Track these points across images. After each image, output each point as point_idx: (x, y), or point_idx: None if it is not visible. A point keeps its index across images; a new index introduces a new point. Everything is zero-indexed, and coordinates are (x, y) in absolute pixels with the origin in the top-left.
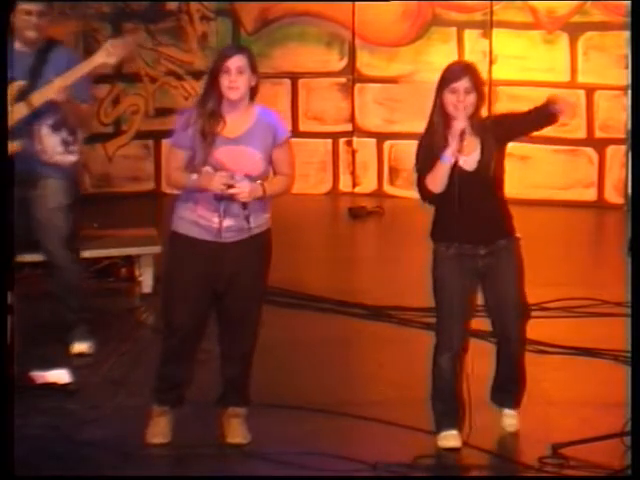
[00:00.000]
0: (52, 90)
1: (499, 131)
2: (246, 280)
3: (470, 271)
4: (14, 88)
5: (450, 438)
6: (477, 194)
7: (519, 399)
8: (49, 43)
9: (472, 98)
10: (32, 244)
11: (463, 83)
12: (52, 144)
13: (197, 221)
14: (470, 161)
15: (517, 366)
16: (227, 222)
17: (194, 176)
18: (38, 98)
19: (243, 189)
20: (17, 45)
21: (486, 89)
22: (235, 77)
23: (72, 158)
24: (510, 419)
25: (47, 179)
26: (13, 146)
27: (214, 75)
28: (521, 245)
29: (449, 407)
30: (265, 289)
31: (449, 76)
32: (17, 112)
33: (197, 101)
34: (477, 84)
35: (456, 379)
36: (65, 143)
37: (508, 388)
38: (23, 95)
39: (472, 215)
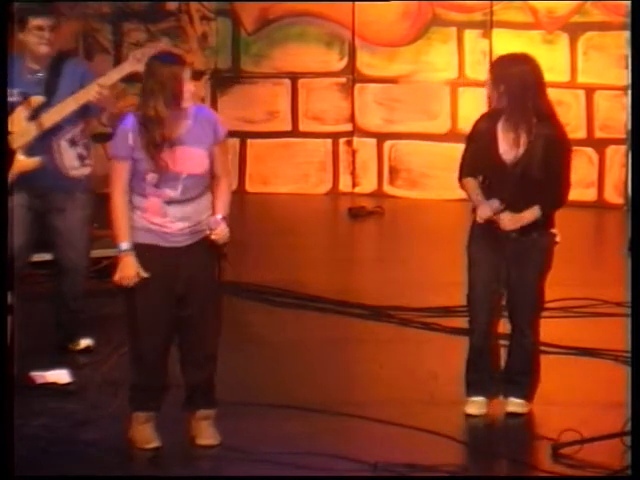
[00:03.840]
0: (64, 110)
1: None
2: (203, 282)
3: (499, 251)
4: (32, 103)
5: (473, 405)
6: (514, 185)
7: (530, 391)
8: (60, 56)
9: (493, 92)
10: (38, 245)
11: (487, 75)
12: (69, 159)
13: (149, 227)
14: (510, 154)
15: (529, 359)
16: (180, 225)
17: (124, 245)
18: (48, 119)
19: (223, 233)
20: (28, 61)
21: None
22: (189, 86)
23: (86, 171)
24: (516, 406)
25: (67, 192)
26: (34, 162)
27: (169, 85)
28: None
29: (479, 376)
30: (220, 292)
31: None
32: (27, 132)
33: (145, 113)
34: (500, 78)
35: (489, 354)
36: (80, 157)
37: (517, 379)
38: (38, 112)
39: (508, 202)
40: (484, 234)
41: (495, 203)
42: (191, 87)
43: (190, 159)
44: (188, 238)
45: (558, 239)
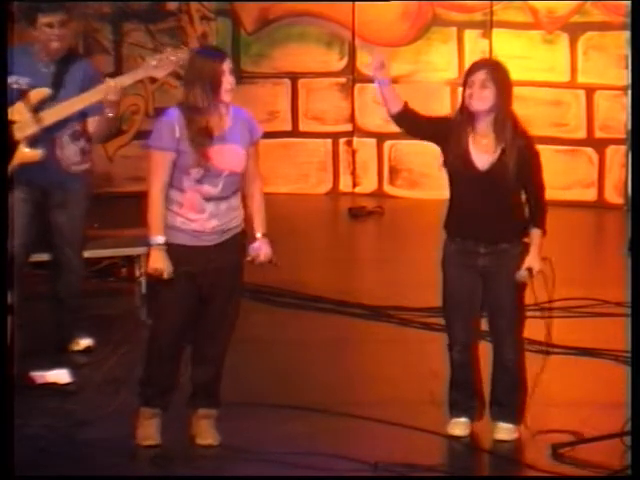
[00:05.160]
0: (68, 109)
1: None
2: (228, 282)
3: (471, 268)
4: (38, 95)
5: (457, 426)
6: (484, 194)
7: (518, 413)
8: (71, 53)
9: (489, 92)
10: (37, 244)
11: (479, 75)
12: (71, 154)
13: (181, 227)
14: (483, 161)
15: (513, 378)
16: (213, 222)
17: (159, 239)
18: (50, 116)
19: (266, 257)
20: (40, 55)
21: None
22: (230, 78)
23: (86, 167)
24: (504, 433)
25: (68, 188)
26: (36, 154)
27: (210, 78)
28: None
29: (461, 396)
30: (243, 289)
31: (468, 70)
32: (28, 125)
33: (188, 104)
34: (497, 80)
35: (470, 371)
36: (82, 152)
37: (503, 401)
38: (45, 103)
39: (476, 213)
40: (456, 250)
41: None
42: (231, 80)
43: (233, 157)
44: (218, 237)
45: (528, 241)
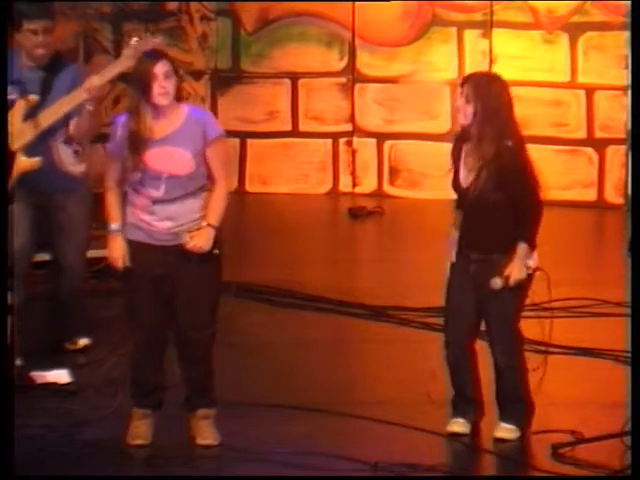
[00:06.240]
0: (59, 110)
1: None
2: (191, 282)
3: (465, 273)
4: (27, 103)
5: (454, 424)
6: (472, 209)
7: (522, 417)
8: (56, 58)
9: (470, 107)
10: (38, 246)
11: (464, 89)
12: (67, 157)
13: (139, 225)
14: (466, 178)
15: (513, 387)
16: (167, 224)
17: (113, 226)
18: (45, 119)
19: (197, 245)
20: (26, 61)
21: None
22: (164, 82)
23: (82, 167)
24: (504, 432)
25: (68, 190)
26: (35, 162)
27: (141, 81)
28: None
29: (458, 397)
30: (217, 292)
31: (460, 82)
32: (24, 133)
33: (126, 109)
34: (480, 96)
35: (466, 375)
36: (76, 154)
37: (506, 406)
38: (34, 110)
39: (470, 224)
40: (457, 252)
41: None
42: (167, 85)
43: (172, 160)
44: (175, 238)
45: (532, 264)
